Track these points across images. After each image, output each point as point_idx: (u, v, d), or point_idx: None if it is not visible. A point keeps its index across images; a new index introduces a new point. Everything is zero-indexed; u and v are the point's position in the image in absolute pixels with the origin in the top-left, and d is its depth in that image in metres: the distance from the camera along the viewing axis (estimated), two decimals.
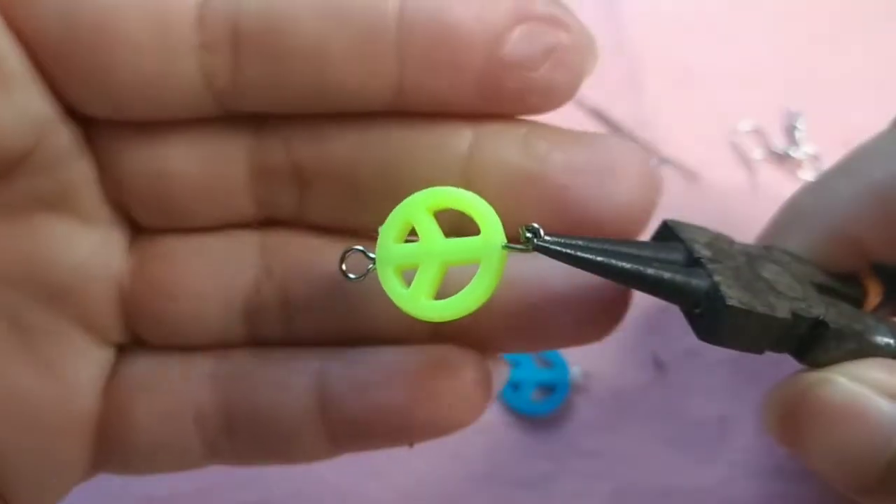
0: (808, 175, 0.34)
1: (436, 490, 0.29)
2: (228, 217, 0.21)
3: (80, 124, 0.19)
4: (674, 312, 0.31)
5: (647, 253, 0.19)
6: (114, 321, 0.21)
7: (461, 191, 0.17)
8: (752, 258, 0.20)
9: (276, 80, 0.18)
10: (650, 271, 0.18)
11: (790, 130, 0.34)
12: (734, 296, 0.18)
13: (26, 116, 0.18)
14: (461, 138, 0.19)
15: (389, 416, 0.20)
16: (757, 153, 0.34)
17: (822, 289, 0.21)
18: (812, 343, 0.19)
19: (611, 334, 0.20)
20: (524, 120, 0.20)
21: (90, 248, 0.20)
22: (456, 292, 0.17)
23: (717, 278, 0.18)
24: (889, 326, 0.21)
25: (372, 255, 0.18)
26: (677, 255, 0.19)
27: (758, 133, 0.34)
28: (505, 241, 0.17)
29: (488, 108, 0.19)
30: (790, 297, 0.19)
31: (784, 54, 0.36)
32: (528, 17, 0.18)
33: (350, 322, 0.20)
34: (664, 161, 0.33)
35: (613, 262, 0.17)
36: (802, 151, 0.34)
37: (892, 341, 0.20)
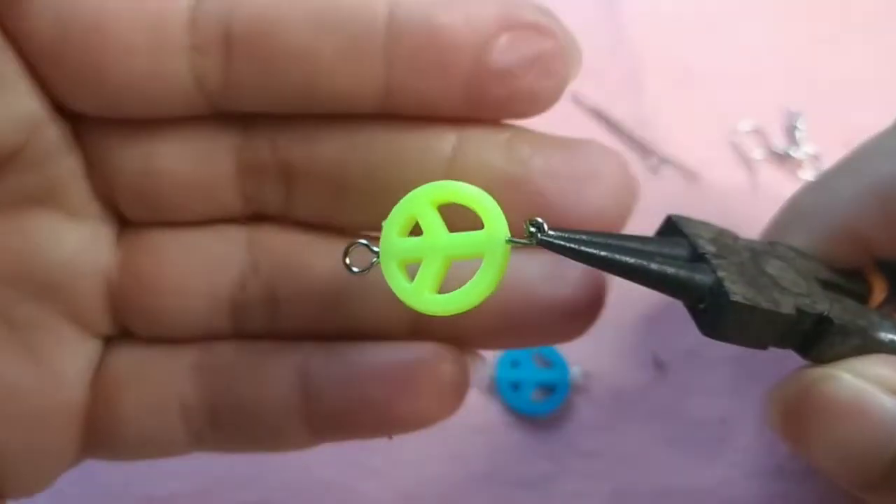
0: (808, 175, 0.33)
1: (436, 490, 0.29)
2: (215, 212, 0.21)
3: (69, 120, 0.20)
4: (674, 313, 0.31)
5: (651, 248, 0.19)
6: (101, 314, 0.21)
7: (465, 185, 0.17)
8: (756, 254, 0.20)
9: (266, 82, 0.19)
10: (654, 266, 0.18)
11: (790, 130, 0.34)
12: (738, 291, 0.18)
13: (17, 115, 0.18)
14: (445, 142, 0.19)
15: (369, 410, 0.20)
16: (757, 153, 0.34)
17: (826, 285, 0.21)
18: (816, 339, 0.19)
19: (584, 334, 0.21)
20: (507, 125, 0.20)
21: (78, 242, 0.20)
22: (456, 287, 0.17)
23: (721, 274, 0.18)
24: (893, 323, 0.21)
25: (375, 249, 0.18)
26: (681, 251, 0.19)
27: (758, 133, 0.34)
28: (509, 235, 0.17)
29: (473, 112, 0.19)
30: (794, 293, 0.19)
31: (784, 54, 0.36)
32: (515, 25, 0.18)
33: (333, 317, 0.21)
34: (664, 161, 0.33)
35: (617, 256, 0.17)
36: (802, 151, 0.34)
37: None
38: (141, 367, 0.21)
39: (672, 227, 0.20)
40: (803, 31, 0.36)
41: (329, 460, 0.29)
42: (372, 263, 0.18)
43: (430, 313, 0.17)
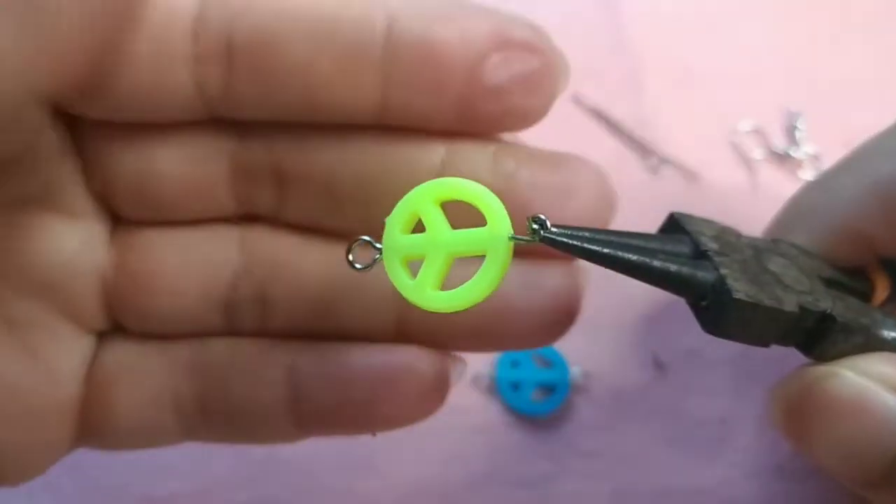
0: (808, 175, 0.33)
1: (436, 490, 0.29)
2: (209, 212, 0.21)
3: (67, 123, 0.20)
4: (674, 313, 0.31)
5: (653, 245, 0.19)
6: (96, 312, 0.21)
7: (468, 182, 0.17)
8: (758, 251, 0.20)
9: (265, 93, 0.19)
10: (656, 263, 0.18)
11: (790, 130, 0.34)
12: (741, 289, 0.18)
13: (19, 124, 0.18)
14: (434, 154, 0.20)
15: (354, 409, 0.21)
16: (757, 153, 0.34)
17: (829, 283, 0.21)
18: (819, 337, 0.20)
19: (560, 339, 0.22)
20: (494, 139, 0.21)
21: (74, 242, 0.21)
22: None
23: (723, 271, 0.18)
24: None
25: (378, 246, 0.18)
26: (684, 248, 0.19)
27: (758, 133, 0.34)
28: (511, 232, 0.17)
29: (464, 127, 0.20)
30: (797, 291, 0.19)
31: (784, 54, 0.36)
32: (507, 44, 0.19)
33: (322, 318, 0.21)
34: (664, 161, 0.33)
35: (620, 253, 0.17)
36: (802, 151, 0.34)
37: None
38: (134, 362, 0.22)
39: (675, 225, 0.20)
40: (803, 31, 0.36)
41: (329, 460, 0.29)
42: (375, 260, 0.18)
43: (433, 310, 0.17)
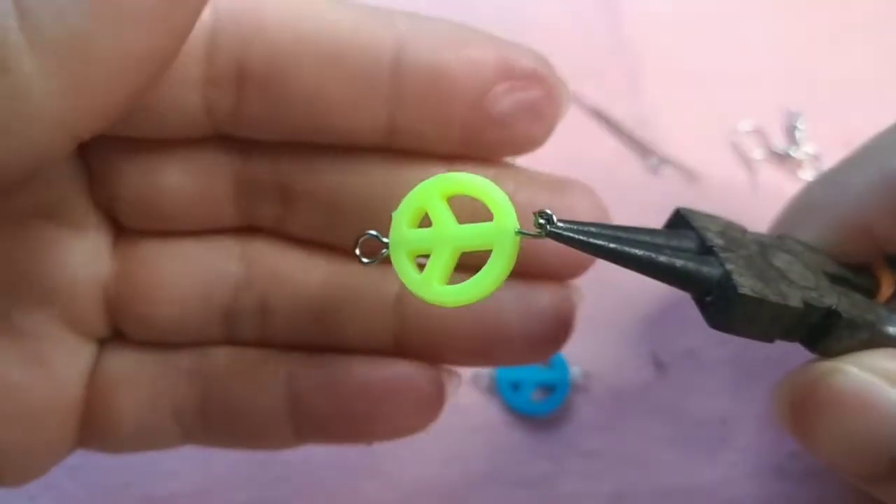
0: (808, 175, 0.33)
1: (436, 490, 0.29)
2: (212, 224, 0.22)
3: None
4: (674, 313, 0.31)
5: (659, 240, 0.19)
6: (98, 320, 0.22)
7: (474, 176, 0.17)
8: (764, 247, 0.20)
9: (273, 115, 0.20)
10: (662, 258, 0.18)
11: (790, 130, 0.34)
12: (746, 284, 0.18)
13: (35, 145, 0.18)
14: None
15: (352, 420, 0.22)
16: (757, 153, 0.34)
17: (834, 279, 0.21)
18: (824, 333, 0.20)
19: (554, 355, 0.22)
20: (495, 161, 0.21)
21: (78, 253, 0.21)
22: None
23: (729, 266, 0.18)
24: None
25: (385, 240, 0.18)
26: (689, 243, 0.19)
27: (758, 133, 0.34)
28: (518, 226, 0.17)
29: (467, 151, 0.20)
30: (802, 287, 0.19)
31: (784, 54, 0.36)
32: (512, 73, 0.19)
33: (322, 330, 0.22)
34: (664, 161, 0.33)
35: (626, 248, 0.17)
36: (802, 151, 0.34)
37: None
38: (135, 368, 0.22)
39: (680, 220, 0.20)
40: (803, 31, 0.36)
41: (330, 460, 0.29)
42: (382, 254, 0.18)
43: (439, 304, 0.17)
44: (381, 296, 0.21)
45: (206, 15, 0.19)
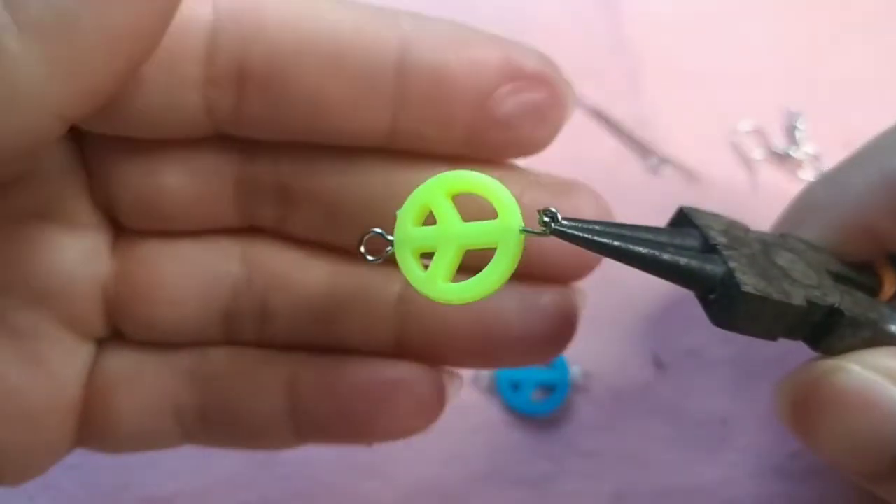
0: (808, 175, 0.33)
1: (436, 490, 0.29)
2: (211, 224, 0.22)
3: (73, 136, 0.20)
4: (674, 313, 0.31)
5: (663, 238, 0.19)
6: (97, 320, 0.22)
7: (479, 174, 0.17)
8: (767, 246, 0.20)
9: (274, 115, 0.19)
10: (666, 256, 0.18)
11: (790, 130, 0.34)
12: (749, 282, 0.18)
13: (39, 147, 0.18)
14: None
15: (352, 421, 0.22)
16: (757, 153, 0.34)
17: (837, 277, 0.21)
18: (826, 331, 0.20)
19: (556, 357, 0.22)
20: (499, 163, 0.21)
21: (77, 253, 0.21)
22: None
23: (732, 265, 0.18)
24: None
25: (390, 238, 0.18)
26: (693, 241, 0.19)
27: (758, 133, 0.34)
28: (522, 224, 0.17)
29: (471, 153, 0.20)
30: (805, 285, 0.19)
31: (784, 54, 0.36)
32: (517, 75, 0.19)
33: (322, 331, 0.22)
34: (664, 161, 0.33)
35: (630, 246, 0.17)
36: (802, 151, 0.34)
37: None
38: (135, 369, 0.22)
39: (684, 219, 0.20)
40: (803, 31, 0.36)
41: (329, 460, 0.29)
42: (386, 252, 0.18)
43: (444, 302, 0.17)
44: (381, 296, 0.21)
45: (207, 14, 0.19)
